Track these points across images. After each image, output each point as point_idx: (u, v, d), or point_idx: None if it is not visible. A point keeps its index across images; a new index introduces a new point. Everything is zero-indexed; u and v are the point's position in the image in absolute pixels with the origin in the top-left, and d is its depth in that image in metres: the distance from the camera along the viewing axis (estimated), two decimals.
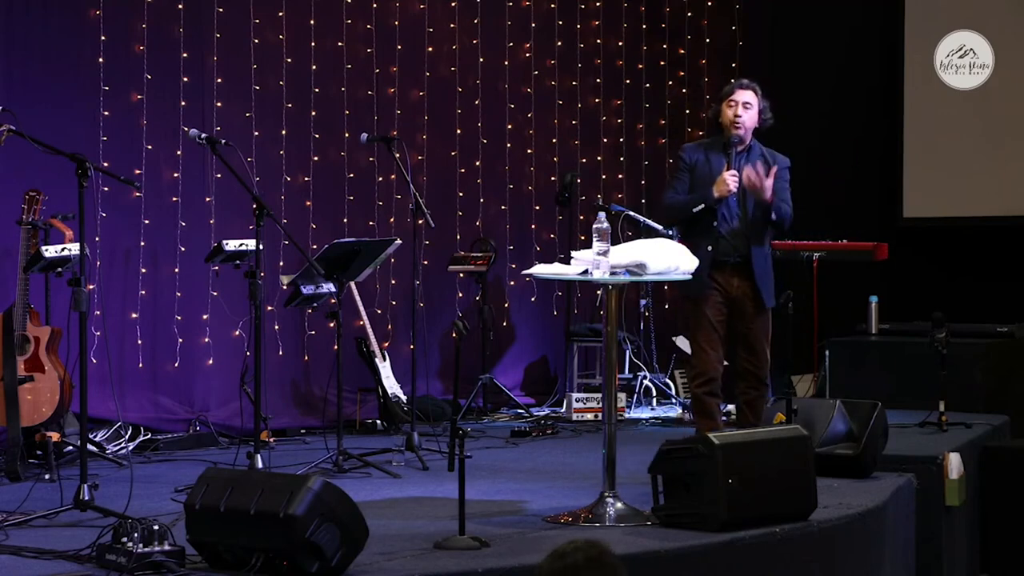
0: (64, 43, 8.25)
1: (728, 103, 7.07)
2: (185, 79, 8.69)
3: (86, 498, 5.91)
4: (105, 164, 7.88)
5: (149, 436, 8.29)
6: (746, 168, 6.95)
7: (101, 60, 8.34)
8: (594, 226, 5.99)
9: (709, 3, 11.55)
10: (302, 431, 8.91)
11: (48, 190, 7.35)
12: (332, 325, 7.71)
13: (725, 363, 7.12)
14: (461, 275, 9.99)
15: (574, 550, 3.18)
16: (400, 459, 7.67)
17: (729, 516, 5.70)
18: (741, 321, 6.99)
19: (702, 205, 6.94)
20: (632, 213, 10.05)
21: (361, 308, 9.17)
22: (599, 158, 10.99)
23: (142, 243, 8.53)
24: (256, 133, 9.02)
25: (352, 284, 8.51)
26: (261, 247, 6.86)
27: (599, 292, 9.70)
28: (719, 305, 6.97)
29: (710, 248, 6.93)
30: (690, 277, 6.33)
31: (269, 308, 8.73)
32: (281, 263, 8.94)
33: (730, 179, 6.92)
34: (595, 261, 5.98)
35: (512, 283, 10.44)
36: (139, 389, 8.50)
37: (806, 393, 10.00)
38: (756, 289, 6.95)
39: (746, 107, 7.04)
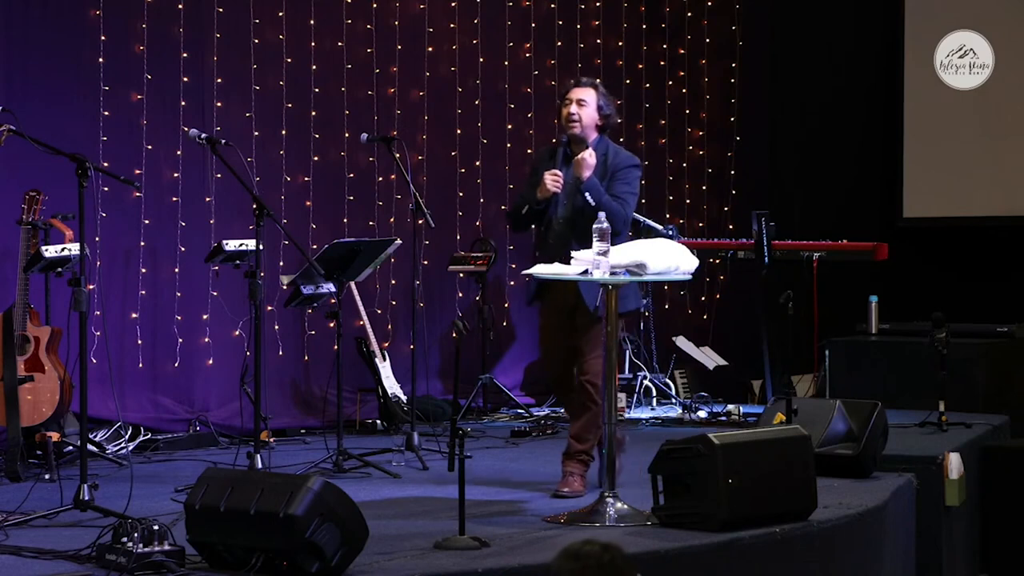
0: (64, 43, 8.25)
1: (564, 101, 6.85)
2: (185, 79, 8.69)
3: (86, 498, 5.91)
4: (105, 164, 7.87)
5: (149, 436, 8.29)
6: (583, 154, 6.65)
7: (101, 60, 8.34)
8: (594, 226, 5.99)
9: (709, 3, 11.54)
10: (302, 431, 8.90)
11: (48, 190, 7.35)
12: (332, 325, 7.71)
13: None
14: (461, 275, 9.99)
15: (588, 553, 3.15)
16: (400, 459, 7.67)
17: (729, 516, 5.71)
18: (573, 325, 6.73)
19: (526, 207, 6.76)
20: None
21: (361, 308, 9.17)
22: None
23: (142, 243, 8.53)
24: (256, 133, 9.02)
25: (352, 284, 8.51)
26: (261, 247, 6.86)
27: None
28: (556, 309, 6.74)
29: (538, 253, 6.77)
30: (690, 277, 6.33)
31: (269, 308, 8.73)
32: (281, 263, 8.94)
33: (549, 180, 6.65)
34: (595, 261, 5.98)
35: (512, 283, 10.44)
36: (139, 389, 8.49)
37: (806, 393, 10.00)
38: (579, 293, 6.62)
39: (581, 104, 6.77)
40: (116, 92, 8.41)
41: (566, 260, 6.35)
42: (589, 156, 6.64)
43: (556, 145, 6.95)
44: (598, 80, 7.02)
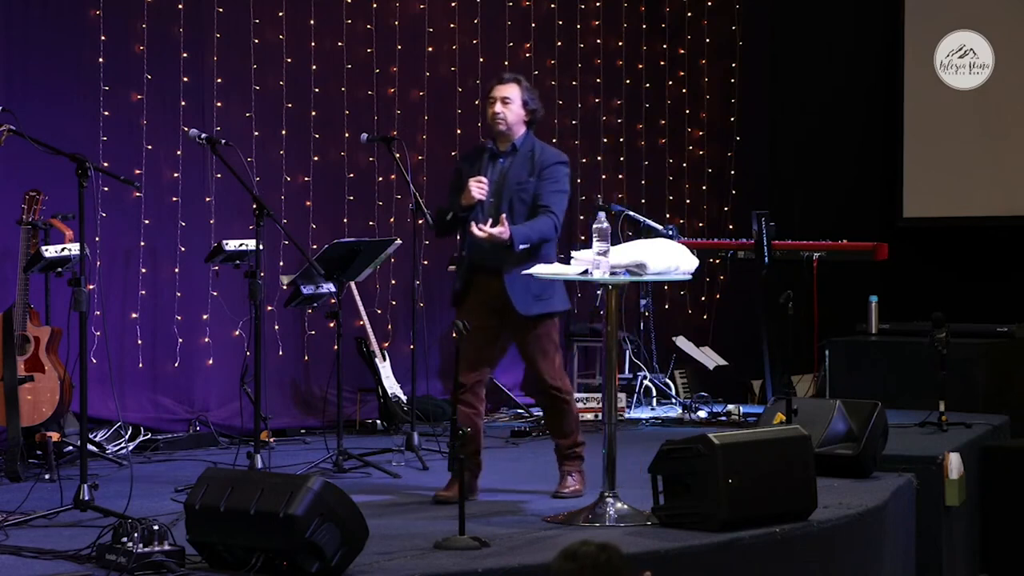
0: (64, 43, 8.24)
1: (488, 100, 6.71)
2: (185, 79, 8.69)
3: (86, 498, 5.91)
4: (105, 164, 7.87)
5: (149, 436, 8.29)
6: (475, 231, 6.38)
7: (101, 60, 8.34)
8: (594, 226, 5.98)
9: (709, 3, 11.54)
10: (302, 431, 8.90)
11: (48, 190, 7.35)
12: (332, 325, 7.71)
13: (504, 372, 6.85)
14: None
15: (585, 553, 3.15)
16: (400, 459, 7.67)
17: (729, 516, 5.71)
18: (509, 330, 6.60)
19: (451, 214, 6.59)
20: (632, 213, 10.06)
21: (361, 308, 9.17)
22: (599, 158, 10.98)
23: (142, 243, 8.53)
24: (256, 133, 9.02)
25: (352, 284, 8.51)
26: (261, 247, 6.86)
27: (599, 292, 9.69)
28: (478, 312, 6.49)
29: (464, 253, 6.61)
30: (690, 277, 6.33)
31: (269, 308, 8.73)
32: (281, 263, 8.94)
33: (474, 187, 6.48)
34: (595, 261, 5.98)
35: None
36: (139, 389, 8.49)
37: (806, 393, 10.00)
38: (506, 296, 6.47)
39: (506, 102, 6.63)
40: (116, 92, 8.41)
41: (497, 265, 6.40)
42: (499, 233, 6.34)
43: (482, 146, 6.81)
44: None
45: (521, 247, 6.41)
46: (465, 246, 6.59)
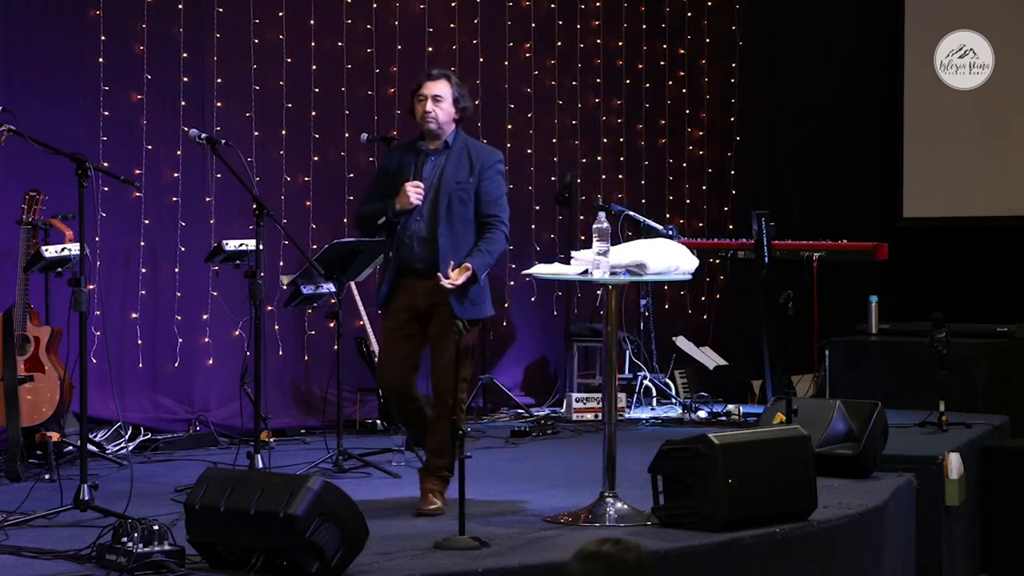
0: (64, 43, 8.25)
1: (417, 97, 6.39)
2: (185, 79, 8.69)
3: (86, 498, 5.91)
4: (105, 164, 7.87)
5: (149, 436, 8.29)
6: (444, 284, 6.13)
7: (101, 60, 8.34)
8: (594, 226, 5.98)
9: (709, 3, 11.54)
10: (302, 431, 8.90)
11: (48, 190, 7.35)
12: (332, 325, 7.71)
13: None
14: None
15: (608, 553, 3.10)
16: (400, 459, 7.66)
17: (729, 516, 5.71)
18: (431, 334, 6.30)
19: (383, 218, 6.33)
20: (632, 213, 10.06)
21: (361, 308, 9.16)
22: (599, 158, 10.98)
23: (142, 243, 8.53)
24: (256, 133, 9.02)
25: (352, 284, 8.51)
26: (261, 247, 6.86)
27: (599, 292, 9.69)
28: (404, 316, 6.30)
29: (391, 254, 6.37)
30: (690, 277, 6.33)
31: (269, 308, 8.73)
32: (281, 263, 8.94)
33: (411, 191, 6.24)
34: (595, 261, 5.98)
35: (512, 283, 10.43)
36: (139, 389, 8.50)
37: (806, 393, 10.00)
38: (448, 302, 6.20)
39: (436, 100, 6.33)
40: (116, 92, 8.41)
41: (428, 267, 6.18)
42: (457, 279, 6.13)
43: (411, 143, 6.52)
44: (452, 69, 6.86)
45: (483, 276, 6.24)
46: (392, 248, 6.34)
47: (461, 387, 6.17)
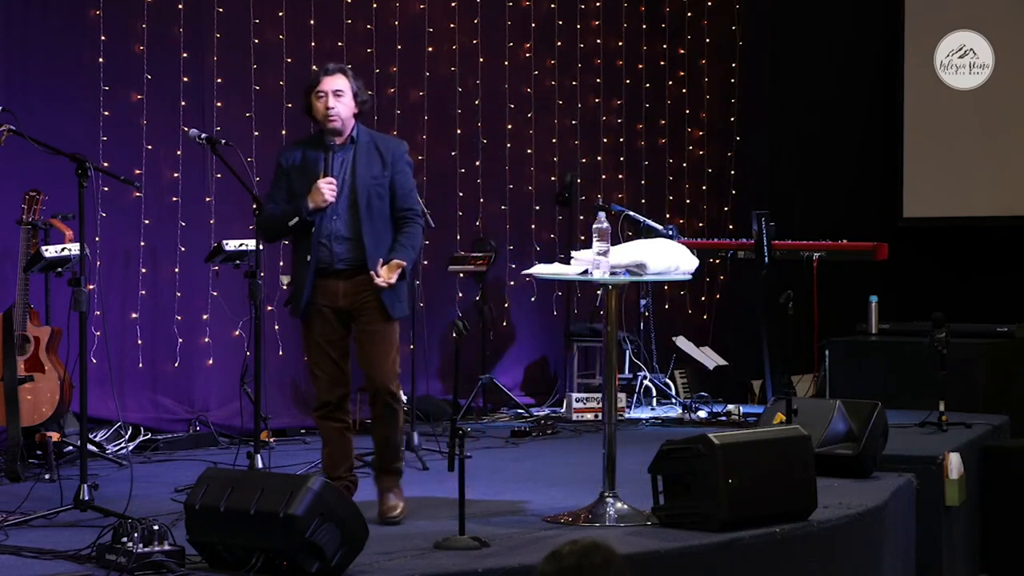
0: (64, 43, 8.25)
1: (316, 94, 6.12)
2: (185, 79, 8.69)
3: (86, 498, 5.92)
4: (105, 164, 7.87)
5: (149, 436, 8.29)
6: (379, 283, 6.02)
7: (101, 60, 8.34)
8: (594, 226, 5.99)
9: (709, 3, 11.54)
10: (302, 431, 8.90)
11: (48, 190, 7.35)
12: None
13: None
14: (461, 275, 9.98)
15: (569, 553, 3.10)
16: None
17: (729, 516, 5.71)
18: (357, 333, 6.14)
19: (296, 219, 6.05)
20: (632, 213, 10.06)
21: None
22: (599, 158, 10.98)
23: (142, 243, 8.53)
24: (256, 133, 9.02)
25: None
26: (261, 247, 6.85)
27: (599, 292, 9.69)
28: (329, 321, 6.11)
29: (308, 258, 6.07)
30: (690, 277, 6.33)
31: (269, 308, 8.73)
32: (281, 263, 8.93)
33: (325, 188, 6.01)
34: (595, 261, 5.98)
35: (512, 283, 10.44)
36: (139, 389, 8.50)
37: (806, 393, 10.00)
38: (377, 298, 6.06)
39: (338, 96, 6.11)
40: (116, 92, 8.41)
41: (350, 267, 6.03)
42: (390, 277, 6.03)
43: (312, 139, 6.27)
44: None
45: (409, 265, 6.16)
46: (311, 249, 6.06)
47: (396, 383, 6.14)
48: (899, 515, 6.85)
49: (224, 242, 7.77)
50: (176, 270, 8.64)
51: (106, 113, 8.36)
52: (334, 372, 6.15)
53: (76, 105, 8.26)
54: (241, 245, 7.72)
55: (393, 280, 6.05)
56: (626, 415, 9.56)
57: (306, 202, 6.04)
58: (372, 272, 6.03)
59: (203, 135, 6.90)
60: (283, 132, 9.18)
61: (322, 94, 6.11)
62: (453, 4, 10.15)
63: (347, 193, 6.10)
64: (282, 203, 6.16)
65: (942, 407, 8.28)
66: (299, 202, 6.07)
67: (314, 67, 9.25)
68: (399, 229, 6.17)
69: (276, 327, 9.01)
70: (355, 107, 6.17)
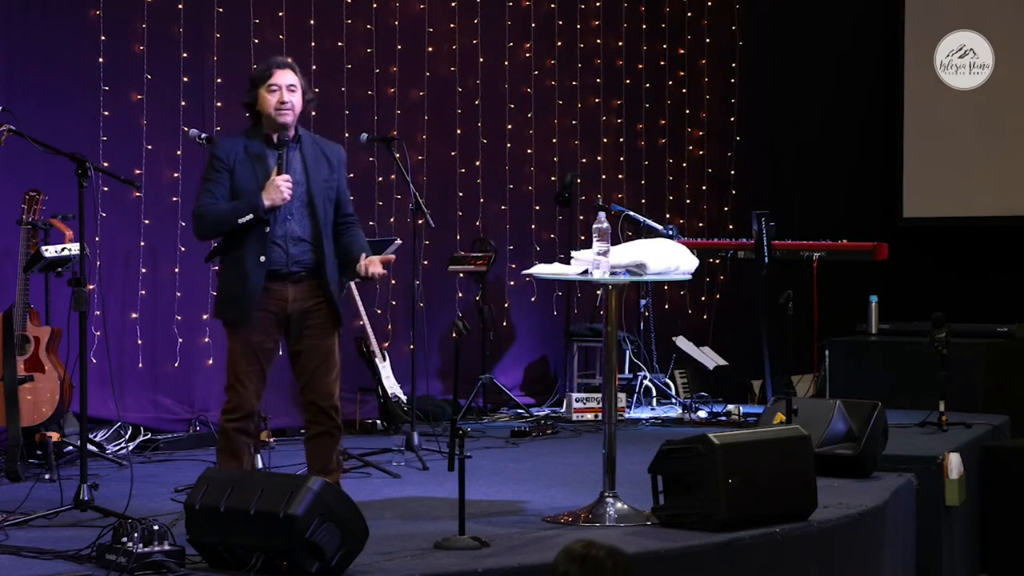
0: (64, 43, 8.25)
1: (269, 88, 5.88)
2: (185, 79, 8.69)
3: (86, 498, 5.92)
4: (105, 164, 7.87)
5: (149, 436, 8.29)
6: (373, 272, 5.91)
7: (101, 60, 8.34)
8: (594, 226, 5.98)
9: (709, 3, 11.54)
10: (302, 431, 8.86)
11: (48, 190, 7.35)
12: None
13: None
14: (461, 275, 9.99)
15: (594, 558, 3.09)
16: (400, 459, 7.67)
17: (729, 516, 5.71)
18: (300, 341, 5.93)
19: (250, 216, 5.77)
20: (632, 213, 10.07)
21: (361, 308, 9.16)
22: (599, 158, 10.99)
23: (142, 243, 8.53)
24: None
25: (352, 284, 8.51)
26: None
27: (599, 292, 9.70)
28: (270, 326, 5.88)
29: (262, 259, 5.79)
30: (690, 277, 6.32)
31: None
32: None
33: (284, 186, 5.76)
34: (595, 261, 5.98)
35: (512, 283, 10.44)
36: (139, 389, 8.50)
37: (806, 393, 10.00)
38: (329, 304, 5.90)
39: (291, 90, 5.88)
40: (116, 92, 8.41)
41: (300, 270, 5.83)
42: (377, 270, 5.93)
43: (257, 135, 5.97)
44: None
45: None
46: (265, 250, 5.79)
47: (338, 395, 5.99)
48: (899, 515, 6.85)
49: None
50: (176, 270, 8.64)
51: (106, 113, 8.36)
52: (259, 385, 5.90)
53: (76, 105, 8.26)
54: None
55: (381, 271, 5.95)
56: (626, 415, 9.56)
57: (261, 199, 5.78)
58: (361, 265, 5.90)
59: (203, 135, 6.91)
60: None
61: (276, 87, 5.88)
62: (453, 4, 10.15)
63: (301, 194, 5.87)
64: (223, 199, 5.86)
65: (942, 407, 8.28)
66: (252, 199, 5.79)
67: (314, 67, 9.32)
68: (343, 234, 5.99)
69: None
70: (302, 105, 5.98)
